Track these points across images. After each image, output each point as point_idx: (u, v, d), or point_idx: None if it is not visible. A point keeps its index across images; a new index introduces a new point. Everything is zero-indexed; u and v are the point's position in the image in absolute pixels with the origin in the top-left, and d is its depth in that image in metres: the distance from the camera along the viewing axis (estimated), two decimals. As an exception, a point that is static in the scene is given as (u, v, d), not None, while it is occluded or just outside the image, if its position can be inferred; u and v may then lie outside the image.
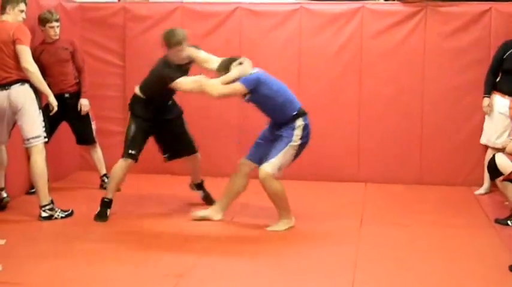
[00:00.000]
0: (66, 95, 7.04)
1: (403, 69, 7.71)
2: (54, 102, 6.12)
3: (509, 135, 6.87)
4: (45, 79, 6.23)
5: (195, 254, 5.18)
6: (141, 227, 5.91)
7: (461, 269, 4.92)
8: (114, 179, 6.18)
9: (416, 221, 6.22)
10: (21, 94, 5.97)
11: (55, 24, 6.95)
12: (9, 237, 5.39)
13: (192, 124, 6.61)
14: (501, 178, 6.11)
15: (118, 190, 7.22)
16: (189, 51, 6.06)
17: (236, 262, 5.05)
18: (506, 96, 6.97)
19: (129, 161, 6.12)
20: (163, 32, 6.11)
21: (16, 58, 5.93)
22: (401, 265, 4.98)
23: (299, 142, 5.78)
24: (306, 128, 5.81)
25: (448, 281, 4.67)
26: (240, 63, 5.83)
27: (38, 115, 6.03)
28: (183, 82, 5.97)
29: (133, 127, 6.16)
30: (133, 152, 6.10)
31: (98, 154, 7.35)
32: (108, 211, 6.12)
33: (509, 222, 6.06)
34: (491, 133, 7.05)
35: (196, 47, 6.19)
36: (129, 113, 6.27)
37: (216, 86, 5.78)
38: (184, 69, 6.11)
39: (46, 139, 6.10)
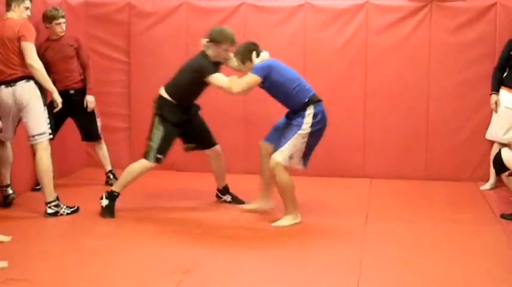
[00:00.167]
0: (71, 92, 7.05)
1: (409, 64, 7.70)
2: (58, 99, 6.13)
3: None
4: (50, 76, 6.24)
5: (202, 250, 5.17)
6: (147, 224, 5.91)
7: (467, 264, 4.90)
8: (130, 176, 6.13)
9: (422, 217, 6.21)
10: (27, 91, 5.98)
11: (62, 20, 6.96)
12: (15, 234, 5.39)
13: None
14: (507, 173, 6.12)
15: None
16: (230, 53, 6.11)
17: (242, 257, 5.04)
18: (514, 91, 6.95)
19: (152, 165, 6.09)
20: (214, 27, 6.18)
21: (21, 55, 5.93)
22: (407, 261, 4.98)
23: (309, 130, 5.78)
24: (317, 115, 5.80)
25: (454, 276, 4.66)
26: (258, 55, 5.92)
27: (43, 112, 6.03)
28: (218, 77, 5.97)
29: (162, 131, 6.07)
30: (160, 156, 6.08)
31: (103, 150, 7.36)
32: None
33: (515, 217, 6.05)
34: (498, 128, 7.02)
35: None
36: (155, 114, 6.16)
37: (236, 83, 5.83)
38: (216, 67, 6.11)
39: (51, 136, 6.10)
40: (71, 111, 7.06)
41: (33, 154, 6.28)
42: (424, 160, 7.78)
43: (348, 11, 7.76)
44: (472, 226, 5.95)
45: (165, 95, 6.15)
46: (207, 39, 6.09)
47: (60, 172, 7.34)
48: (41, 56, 6.33)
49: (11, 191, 6.40)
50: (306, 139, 5.80)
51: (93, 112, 7.20)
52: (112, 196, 6.10)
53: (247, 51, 5.93)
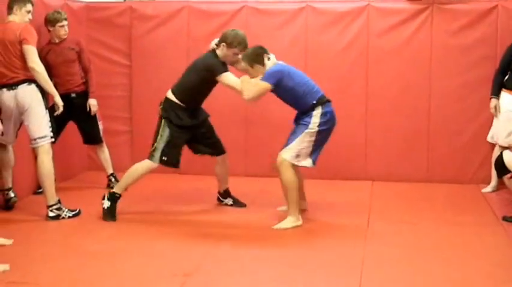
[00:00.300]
0: (73, 95, 7.05)
1: (410, 66, 7.70)
2: (60, 102, 6.13)
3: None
4: (51, 79, 6.25)
5: (203, 252, 5.17)
6: (149, 226, 5.91)
7: (469, 266, 4.90)
8: (131, 178, 6.12)
9: (423, 219, 6.21)
10: (28, 94, 5.99)
11: (65, 23, 6.98)
12: (17, 237, 5.39)
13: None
14: (509, 175, 6.12)
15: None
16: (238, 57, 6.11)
17: (244, 259, 5.04)
18: (516, 94, 6.94)
19: (156, 165, 6.08)
20: (231, 30, 6.13)
21: (23, 58, 5.94)
22: (409, 263, 4.98)
23: (316, 129, 5.81)
24: (325, 115, 5.84)
25: (456, 278, 4.65)
26: (269, 58, 5.94)
27: (44, 115, 6.04)
28: (230, 77, 5.98)
29: (168, 133, 6.06)
30: (166, 158, 6.06)
31: (104, 153, 7.36)
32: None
33: (517, 220, 6.05)
34: (500, 131, 7.01)
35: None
36: (161, 117, 6.13)
37: (248, 90, 5.83)
38: (225, 67, 6.12)
39: (53, 139, 6.11)
40: (73, 115, 7.07)
41: (34, 157, 6.28)
42: (425, 162, 7.78)
43: (349, 14, 7.77)
44: (473, 228, 5.94)
45: (172, 98, 6.13)
46: (219, 40, 6.07)
47: (62, 175, 7.35)
48: (43, 59, 6.34)
49: (12, 195, 6.40)
50: (313, 138, 5.83)
51: (94, 115, 7.20)
52: (114, 198, 6.09)
53: (256, 55, 5.94)
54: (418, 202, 6.94)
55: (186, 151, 6.43)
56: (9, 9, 6.06)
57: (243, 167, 7.95)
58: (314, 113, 5.82)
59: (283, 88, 5.86)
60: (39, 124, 6.01)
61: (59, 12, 6.99)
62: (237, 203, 6.61)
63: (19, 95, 5.97)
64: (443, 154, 7.73)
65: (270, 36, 7.80)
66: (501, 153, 6.19)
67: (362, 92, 7.73)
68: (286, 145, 5.90)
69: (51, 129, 6.08)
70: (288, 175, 5.83)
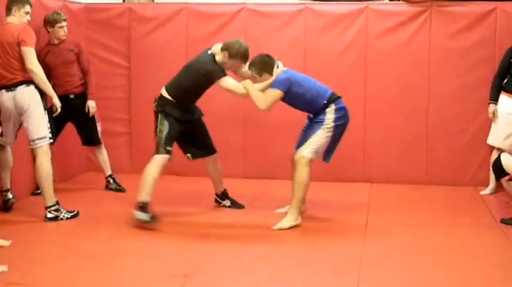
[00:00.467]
0: (71, 96, 7.05)
1: (409, 69, 7.71)
2: (58, 103, 6.13)
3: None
4: (50, 81, 6.26)
5: (202, 253, 5.18)
6: (147, 228, 5.90)
7: (467, 268, 4.91)
8: (150, 180, 5.96)
9: (421, 221, 6.21)
10: (27, 95, 5.99)
11: (64, 24, 6.98)
12: (15, 238, 5.39)
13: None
14: (507, 177, 6.12)
15: (124, 190, 7.28)
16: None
17: (243, 260, 5.05)
18: (514, 97, 6.95)
19: (166, 157, 6.01)
20: (235, 41, 6.05)
21: (21, 60, 5.94)
22: (407, 265, 4.98)
23: (332, 125, 5.90)
24: (339, 111, 5.93)
25: (454, 280, 4.66)
26: (278, 66, 5.99)
27: (43, 116, 6.04)
28: (229, 81, 5.97)
29: (167, 125, 6.04)
30: (170, 148, 6.03)
31: (103, 155, 7.36)
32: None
33: (515, 222, 6.05)
34: (499, 134, 7.01)
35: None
36: (157, 114, 6.12)
37: (261, 100, 5.85)
38: (224, 71, 6.11)
39: (51, 140, 6.11)
40: (71, 116, 7.07)
41: (33, 158, 6.28)
42: (424, 164, 7.78)
43: (348, 16, 7.78)
44: (471, 230, 5.95)
45: (166, 95, 6.14)
46: (221, 47, 6.04)
47: (61, 176, 7.34)
48: (42, 60, 6.34)
49: (11, 196, 6.40)
50: (330, 134, 5.92)
51: (93, 117, 7.20)
52: (144, 207, 5.91)
53: (265, 64, 5.96)
54: (416, 203, 6.95)
55: (182, 153, 6.44)
56: (8, 11, 6.06)
57: (241, 168, 7.95)
58: (328, 110, 5.91)
59: (292, 95, 5.90)
60: (38, 125, 6.01)
61: (58, 13, 6.99)
62: (235, 204, 6.61)
63: (18, 97, 5.97)
64: (442, 155, 7.73)
65: (269, 38, 7.82)
66: (499, 155, 6.20)
67: (361, 94, 7.73)
68: (303, 142, 5.97)
69: (50, 130, 6.08)
70: (305, 171, 5.88)
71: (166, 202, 6.81)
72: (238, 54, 5.98)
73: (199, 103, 6.35)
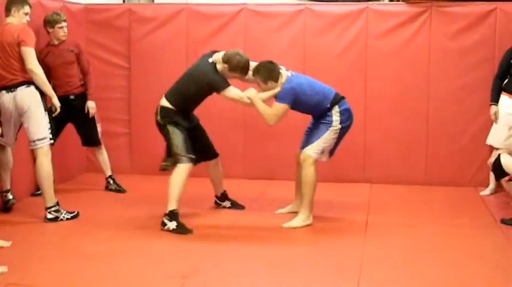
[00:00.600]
0: (71, 97, 7.05)
1: (408, 69, 7.71)
2: (57, 103, 6.13)
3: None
4: (50, 81, 6.26)
5: (201, 254, 5.18)
6: (147, 229, 5.90)
7: (467, 269, 4.91)
8: (178, 188, 5.85)
9: (421, 222, 6.21)
10: (27, 96, 5.99)
11: (64, 24, 6.99)
12: (15, 239, 5.39)
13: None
14: (506, 178, 6.12)
15: (124, 191, 7.28)
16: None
17: (242, 261, 5.05)
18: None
19: (189, 166, 5.91)
20: (235, 53, 5.93)
21: (21, 60, 5.94)
22: (407, 265, 4.98)
23: (339, 126, 5.95)
24: (344, 112, 5.98)
25: (454, 281, 4.66)
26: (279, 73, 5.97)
27: (43, 117, 6.04)
28: (232, 91, 5.94)
29: (179, 134, 5.96)
30: (192, 156, 5.94)
31: (103, 155, 7.36)
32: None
33: (515, 222, 6.05)
34: (500, 134, 6.99)
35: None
36: (163, 126, 6.05)
37: (269, 116, 5.87)
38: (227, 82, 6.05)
39: (52, 141, 6.11)
40: (71, 117, 7.07)
41: (33, 159, 6.28)
42: (424, 164, 7.78)
43: (348, 16, 7.78)
44: (471, 230, 5.94)
45: (167, 105, 6.04)
46: (222, 57, 5.97)
47: (61, 177, 7.35)
48: (41, 61, 6.34)
49: (11, 196, 6.40)
50: (336, 135, 5.98)
51: (93, 117, 7.20)
52: (174, 215, 5.85)
53: (270, 71, 5.94)
54: (416, 204, 6.95)
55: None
56: (7, 11, 6.06)
57: (241, 169, 7.95)
58: (333, 112, 5.95)
59: (298, 103, 5.93)
60: (38, 126, 6.01)
61: (58, 14, 6.99)
62: (235, 205, 6.61)
63: (18, 97, 5.98)
64: (442, 156, 7.73)
65: (268, 39, 7.83)
66: (499, 156, 6.19)
67: (361, 95, 7.72)
68: (308, 142, 6.00)
69: (50, 131, 6.08)
70: (312, 171, 5.93)
71: (166, 202, 6.80)
72: (238, 67, 5.93)
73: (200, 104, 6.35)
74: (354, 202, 7.00)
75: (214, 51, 6.12)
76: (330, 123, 5.93)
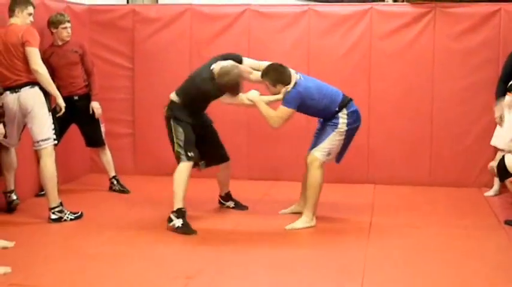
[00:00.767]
0: (75, 98, 7.06)
1: (413, 70, 7.70)
2: (62, 103, 6.14)
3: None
4: (54, 82, 6.25)
5: (205, 255, 5.18)
6: (150, 230, 5.91)
7: (471, 270, 4.90)
8: (181, 186, 5.87)
9: (425, 223, 6.20)
10: (31, 97, 6.00)
11: (68, 25, 7.00)
12: (19, 239, 5.40)
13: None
14: (511, 179, 6.10)
15: (128, 191, 7.28)
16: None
17: (245, 262, 5.04)
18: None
19: (189, 164, 5.93)
20: (225, 71, 5.80)
21: (25, 61, 5.95)
22: (411, 266, 4.97)
23: (346, 128, 5.95)
24: (351, 115, 5.97)
25: (457, 282, 4.65)
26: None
27: (47, 118, 6.05)
28: (226, 99, 5.96)
29: (181, 131, 5.97)
30: (192, 154, 5.95)
31: (107, 156, 7.36)
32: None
33: (519, 223, 6.04)
34: (505, 134, 6.96)
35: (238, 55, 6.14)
36: (168, 120, 6.07)
37: (273, 119, 5.86)
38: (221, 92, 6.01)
39: (56, 142, 6.12)
40: (75, 117, 7.08)
41: (37, 160, 6.29)
42: (428, 165, 7.77)
43: (352, 17, 7.77)
44: (475, 231, 5.93)
45: (175, 99, 6.07)
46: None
47: (64, 177, 7.35)
48: (45, 61, 6.33)
49: (15, 197, 6.41)
50: (343, 137, 5.98)
51: (97, 118, 7.20)
52: (181, 213, 5.85)
53: (278, 74, 5.91)
54: (420, 205, 6.94)
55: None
56: (11, 12, 6.08)
57: (245, 170, 7.94)
58: (340, 115, 5.94)
59: (305, 107, 5.92)
60: (42, 127, 6.02)
61: (62, 15, 7.00)
62: (239, 206, 6.61)
63: (22, 98, 5.98)
64: (446, 157, 7.72)
65: (272, 40, 7.83)
66: (503, 157, 6.18)
67: (364, 95, 7.71)
68: (316, 144, 6.00)
69: (54, 131, 6.09)
70: (318, 173, 5.93)
71: (169, 203, 6.80)
72: (227, 87, 5.87)
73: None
74: (358, 202, 6.99)
75: (222, 56, 6.09)
76: (335, 126, 5.93)
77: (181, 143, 5.97)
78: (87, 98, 7.15)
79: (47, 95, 6.08)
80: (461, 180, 7.66)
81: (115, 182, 7.36)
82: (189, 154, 5.95)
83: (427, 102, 7.69)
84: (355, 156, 7.78)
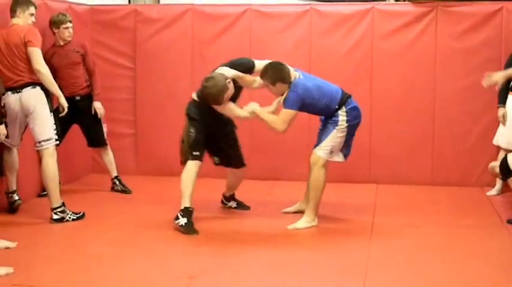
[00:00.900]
0: (77, 98, 7.06)
1: (414, 69, 7.69)
2: (65, 103, 6.15)
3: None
4: (56, 82, 6.25)
5: (207, 255, 5.18)
6: (152, 230, 5.91)
7: (473, 270, 4.89)
8: (187, 185, 5.89)
9: (427, 222, 6.19)
10: (33, 97, 6.00)
11: (69, 25, 7.00)
12: (21, 240, 5.40)
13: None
14: (514, 178, 6.09)
15: (129, 192, 7.28)
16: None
17: (248, 262, 5.04)
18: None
19: (195, 163, 5.95)
20: (214, 81, 5.76)
21: (28, 61, 5.95)
22: (413, 266, 4.97)
23: (346, 125, 5.94)
24: (351, 111, 5.96)
25: (460, 282, 4.65)
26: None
27: (49, 118, 6.05)
28: (233, 110, 5.96)
29: (192, 130, 6.00)
30: (197, 153, 5.97)
31: (109, 156, 7.36)
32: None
33: (521, 223, 6.03)
34: (507, 133, 6.95)
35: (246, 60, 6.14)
36: (186, 117, 6.10)
37: (278, 123, 5.84)
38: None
39: (57, 142, 6.12)
40: (77, 118, 7.07)
41: (39, 160, 6.29)
42: (430, 165, 7.76)
43: (353, 17, 7.76)
44: (478, 231, 5.93)
45: (194, 97, 6.08)
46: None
47: (66, 177, 7.36)
48: (47, 62, 6.32)
49: (17, 197, 6.41)
50: (344, 134, 5.96)
51: (99, 118, 7.20)
52: (188, 212, 5.86)
53: (277, 72, 5.88)
54: (422, 204, 6.93)
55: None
56: (13, 12, 6.08)
57: (247, 169, 7.91)
58: (340, 112, 5.93)
59: (305, 106, 5.91)
60: (44, 127, 6.02)
61: (64, 15, 7.01)
62: (241, 206, 6.61)
63: (24, 98, 5.98)
64: (448, 156, 7.71)
65: (273, 39, 7.82)
66: (505, 156, 6.17)
67: (366, 95, 7.70)
68: (318, 143, 6.00)
69: (56, 132, 6.09)
70: (321, 173, 5.94)
71: (171, 204, 6.80)
72: (208, 100, 5.87)
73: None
74: (360, 202, 6.99)
75: (235, 60, 6.08)
76: (336, 123, 5.92)
77: (190, 142, 5.99)
78: (89, 98, 7.14)
79: (48, 95, 6.08)
80: (464, 179, 7.65)
81: (117, 182, 7.36)
82: (194, 153, 5.97)
83: (428, 102, 7.69)
84: (357, 155, 7.74)
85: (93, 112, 7.14)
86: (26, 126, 6.17)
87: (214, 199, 6.72)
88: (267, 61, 6.05)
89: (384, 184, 7.73)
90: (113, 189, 7.36)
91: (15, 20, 6.06)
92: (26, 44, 5.92)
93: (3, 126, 5.68)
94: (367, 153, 7.84)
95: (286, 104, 5.84)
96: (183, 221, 5.78)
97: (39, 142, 6.02)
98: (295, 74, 5.94)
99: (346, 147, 6.10)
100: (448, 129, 7.69)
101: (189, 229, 5.75)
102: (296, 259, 5.15)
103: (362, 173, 7.85)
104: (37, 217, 6.20)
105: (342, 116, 5.92)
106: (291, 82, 5.86)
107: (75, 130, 7.25)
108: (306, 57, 7.78)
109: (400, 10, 7.78)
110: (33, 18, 6.13)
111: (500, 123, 7.03)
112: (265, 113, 5.90)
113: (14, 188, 6.40)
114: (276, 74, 5.88)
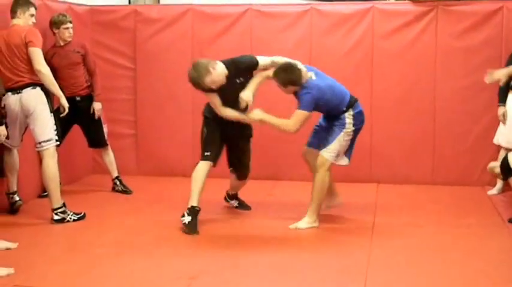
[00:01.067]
0: (78, 98, 7.06)
1: (414, 69, 7.69)
2: (65, 104, 6.15)
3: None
4: (56, 82, 6.25)
5: (208, 256, 5.18)
6: (153, 230, 5.91)
7: (474, 269, 4.89)
8: (196, 184, 5.91)
9: (428, 222, 6.19)
10: (33, 97, 6.00)
11: (69, 25, 7.01)
12: (21, 240, 5.40)
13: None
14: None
15: (130, 192, 7.28)
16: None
17: (248, 263, 5.04)
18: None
19: (205, 163, 5.96)
20: (198, 72, 5.74)
21: (28, 62, 5.95)
22: (414, 265, 4.97)
23: (352, 128, 5.96)
24: (357, 115, 5.98)
25: (461, 281, 4.64)
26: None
27: (49, 118, 6.05)
28: (228, 111, 5.93)
29: (205, 130, 6.05)
30: (208, 153, 5.98)
31: (109, 156, 7.36)
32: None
33: (522, 222, 6.03)
34: (508, 132, 6.95)
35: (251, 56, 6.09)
36: (202, 118, 6.15)
37: (289, 124, 5.83)
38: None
39: (58, 142, 6.12)
40: (77, 118, 7.08)
41: (39, 161, 6.29)
42: (430, 164, 7.76)
43: (354, 16, 7.76)
44: (478, 230, 5.92)
45: None
46: None
47: (67, 178, 7.36)
48: (48, 62, 6.33)
49: (17, 198, 6.41)
50: (350, 137, 5.99)
51: (99, 119, 7.21)
52: (194, 212, 5.86)
53: (286, 74, 5.85)
54: (423, 204, 6.93)
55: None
56: (13, 13, 6.08)
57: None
58: (346, 115, 5.94)
59: (318, 107, 5.92)
60: (44, 128, 6.02)
61: (64, 15, 7.01)
62: (242, 205, 6.61)
63: (24, 99, 5.98)
64: (449, 155, 7.71)
65: (274, 39, 7.81)
66: (506, 155, 6.17)
67: (367, 94, 7.69)
68: (320, 143, 6.02)
69: (56, 132, 6.09)
70: (325, 176, 5.95)
71: (174, 204, 6.81)
72: (193, 83, 5.81)
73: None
74: (361, 201, 6.98)
75: (237, 57, 6.05)
76: (343, 126, 5.93)
77: (203, 142, 6.04)
78: (89, 98, 7.15)
79: (49, 95, 6.08)
80: (464, 178, 7.65)
81: (118, 182, 7.36)
82: (206, 153, 6.00)
83: (429, 101, 7.68)
84: (357, 155, 7.71)
85: (93, 112, 7.14)
86: (26, 127, 6.17)
87: (216, 199, 6.71)
88: (272, 58, 6.02)
89: (384, 184, 7.73)
90: (113, 189, 7.37)
91: (15, 21, 6.06)
92: (26, 45, 5.92)
93: (3, 127, 5.68)
94: (368, 152, 7.83)
95: (300, 105, 5.83)
96: (187, 219, 5.80)
97: (40, 143, 6.02)
98: (308, 74, 5.92)
99: (348, 149, 6.11)
100: (448, 129, 7.68)
101: (190, 228, 5.76)
102: (296, 259, 5.14)
103: (363, 172, 7.84)
104: (38, 218, 6.20)
105: (348, 119, 5.93)
106: (302, 84, 5.85)
107: (76, 131, 7.25)
108: (307, 56, 7.74)
109: (400, 9, 7.77)
110: (33, 19, 6.14)
111: (501, 122, 7.03)
112: (273, 118, 5.90)
113: (15, 189, 6.40)
114: (286, 77, 5.86)
